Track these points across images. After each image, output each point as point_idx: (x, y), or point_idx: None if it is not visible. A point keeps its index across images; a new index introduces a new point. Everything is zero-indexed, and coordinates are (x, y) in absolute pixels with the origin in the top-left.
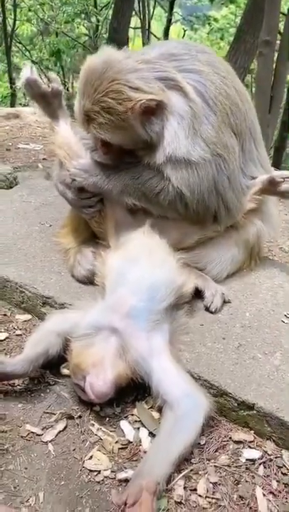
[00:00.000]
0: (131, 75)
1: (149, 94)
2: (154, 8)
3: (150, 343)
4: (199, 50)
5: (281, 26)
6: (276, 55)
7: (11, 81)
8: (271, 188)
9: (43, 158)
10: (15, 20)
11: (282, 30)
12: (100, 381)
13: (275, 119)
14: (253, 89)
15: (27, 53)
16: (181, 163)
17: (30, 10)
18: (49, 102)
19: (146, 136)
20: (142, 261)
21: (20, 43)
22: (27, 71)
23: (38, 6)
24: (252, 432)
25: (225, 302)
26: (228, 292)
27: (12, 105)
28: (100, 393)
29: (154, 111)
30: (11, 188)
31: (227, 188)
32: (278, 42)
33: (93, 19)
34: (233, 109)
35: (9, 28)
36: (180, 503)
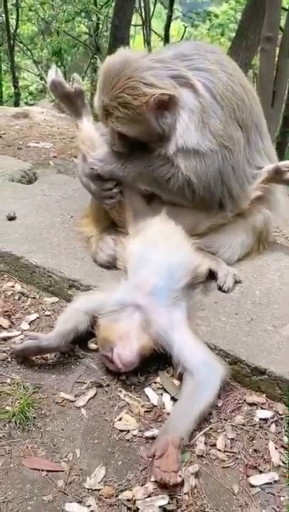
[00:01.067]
0: (146, 73)
1: (162, 89)
2: (154, 6)
3: (170, 318)
4: (208, 51)
5: (282, 22)
6: (278, 50)
7: (15, 80)
8: (277, 176)
9: (54, 156)
10: (17, 20)
11: (283, 26)
12: (127, 351)
13: (278, 114)
14: (255, 84)
15: (28, 53)
16: (191, 153)
17: (30, 9)
18: (72, 101)
19: (160, 128)
20: (160, 245)
21: (21, 42)
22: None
23: (39, 6)
24: (264, 395)
25: (236, 282)
26: (239, 273)
27: (16, 104)
28: (127, 362)
29: (166, 105)
30: (31, 183)
31: (232, 177)
32: (280, 37)
33: (94, 18)
34: (239, 104)
35: (11, 28)
36: (201, 456)
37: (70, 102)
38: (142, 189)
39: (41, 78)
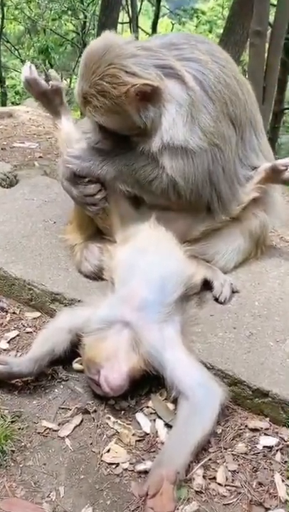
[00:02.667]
0: (129, 60)
1: (145, 79)
2: (141, 3)
3: (162, 335)
4: (199, 40)
5: (271, 17)
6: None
7: (1, 80)
8: (274, 176)
9: (39, 157)
10: (3, 19)
11: (272, 22)
12: (115, 374)
13: (269, 110)
14: None
15: (16, 52)
16: (178, 151)
17: (16, 8)
18: (50, 100)
19: (141, 122)
20: (150, 253)
21: (8, 42)
22: (26, 70)
23: (25, 4)
24: (267, 419)
25: (233, 292)
26: (236, 282)
27: (3, 104)
28: (116, 386)
29: (150, 97)
30: (12, 186)
31: (221, 179)
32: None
33: (81, 16)
34: (232, 98)
35: None
36: (200, 492)
37: (48, 101)
38: (123, 189)
39: None
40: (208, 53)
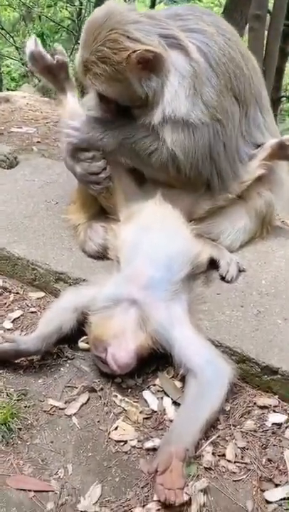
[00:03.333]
0: (131, 26)
1: (147, 46)
2: None
3: (170, 313)
4: (204, 12)
5: (270, 5)
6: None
7: None
8: (281, 152)
9: (38, 141)
10: None
11: (271, 9)
12: (122, 352)
13: (268, 94)
14: None
15: (11, 39)
16: (179, 124)
17: None
18: (55, 75)
19: (143, 92)
20: (156, 231)
21: (3, 29)
22: (31, 44)
23: None
24: (276, 396)
25: (240, 271)
26: (243, 261)
27: None
28: (123, 364)
29: (152, 66)
30: (12, 167)
31: (222, 156)
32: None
33: (76, 2)
34: (237, 72)
35: None
36: (209, 468)
37: (53, 76)
38: (123, 162)
39: (23, 64)
40: (213, 25)
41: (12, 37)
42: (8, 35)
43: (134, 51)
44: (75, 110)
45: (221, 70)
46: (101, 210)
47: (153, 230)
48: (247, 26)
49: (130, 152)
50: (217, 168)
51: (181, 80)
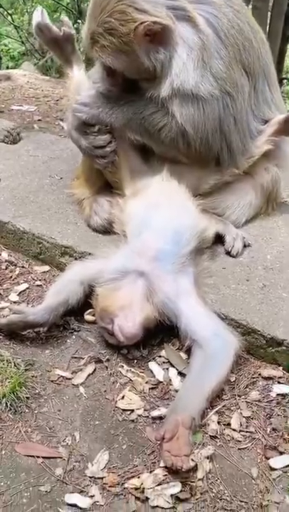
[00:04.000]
0: None
1: (156, 17)
2: None
3: (177, 285)
4: None
5: None
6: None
7: None
8: (288, 127)
9: (38, 120)
10: None
11: None
12: (130, 323)
13: None
14: None
15: (9, 18)
16: (188, 97)
17: None
18: (61, 47)
19: (150, 64)
20: (164, 206)
21: (0, 6)
22: (38, 15)
23: None
24: (280, 367)
25: (245, 246)
26: (248, 237)
27: None
28: (130, 335)
29: (160, 38)
30: (15, 143)
31: (232, 129)
32: None
33: None
34: (245, 45)
35: None
36: (215, 437)
37: (59, 48)
38: (132, 138)
39: (22, 42)
40: None
41: (10, 15)
42: (5, 13)
43: (142, 23)
44: (82, 84)
45: (229, 42)
46: (106, 185)
47: (160, 205)
48: (250, 5)
49: (140, 128)
50: (227, 142)
51: (190, 52)
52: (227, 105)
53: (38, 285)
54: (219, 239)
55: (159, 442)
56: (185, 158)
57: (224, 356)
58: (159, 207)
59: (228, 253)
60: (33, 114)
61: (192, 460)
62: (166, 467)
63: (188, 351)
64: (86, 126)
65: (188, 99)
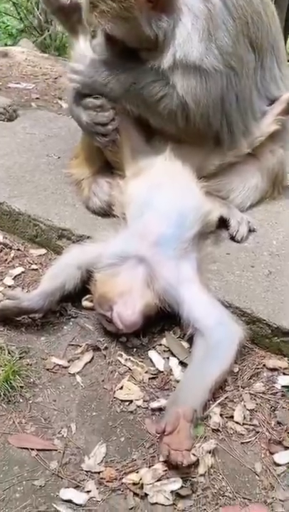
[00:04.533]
0: None
1: None
2: None
3: (179, 271)
4: None
5: None
6: None
7: None
8: None
9: (36, 98)
10: None
11: None
12: (129, 310)
13: None
14: None
15: None
16: (191, 69)
17: None
18: (68, 16)
19: (152, 33)
20: (166, 187)
21: None
22: None
23: None
24: (286, 358)
25: (250, 231)
26: (253, 221)
27: None
28: (129, 322)
29: (163, 5)
30: (12, 120)
31: (234, 108)
32: None
33: None
34: (254, 18)
35: None
36: (217, 430)
37: (66, 17)
38: (128, 109)
39: (21, 19)
40: None
41: None
42: None
43: None
44: (84, 54)
45: (237, 14)
46: (106, 165)
47: (163, 187)
48: None
49: (137, 98)
50: (228, 120)
51: (195, 22)
52: (230, 82)
53: (33, 269)
54: (223, 223)
55: (158, 435)
56: (183, 134)
57: (228, 346)
58: (162, 188)
59: (233, 238)
60: (31, 92)
61: (193, 455)
62: (166, 462)
63: (190, 340)
64: (87, 100)
65: (190, 71)
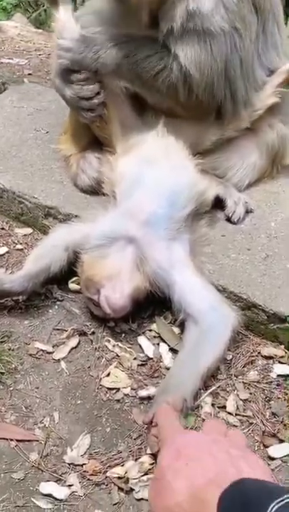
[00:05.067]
0: None
1: None
2: None
3: (171, 254)
4: None
5: None
6: None
7: None
8: None
9: (29, 74)
10: None
11: None
12: (117, 294)
13: None
14: None
15: None
16: (196, 33)
17: None
18: None
19: None
20: (159, 164)
21: None
22: None
23: None
24: (282, 346)
25: (247, 212)
26: (251, 202)
27: None
28: (117, 306)
29: None
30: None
31: (238, 74)
32: None
33: None
34: None
35: None
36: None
37: None
38: (121, 86)
39: None
40: None
41: None
42: None
43: None
44: (68, 26)
45: None
46: (96, 140)
47: (155, 163)
48: None
49: (131, 74)
50: (232, 89)
51: None
52: (235, 45)
53: (18, 249)
54: (219, 203)
55: (146, 426)
56: (182, 109)
57: (221, 331)
58: (154, 165)
59: (229, 219)
60: (24, 68)
61: None
62: (153, 454)
63: (182, 326)
64: (71, 74)
65: (195, 35)
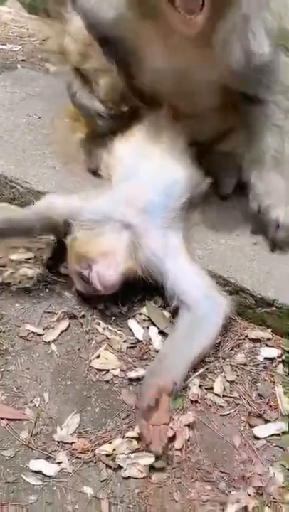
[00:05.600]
0: None
1: None
2: None
3: (166, 241)
4: None
5: None
6: None
7: None
8: None
9: (22, 60)
10: None
11: None
12: (111, 271)
13: None
14: None
15: None
16: None
17: None
18: None
19: None
20: (157, 151)
21: None
22: None
23: None
24: (269, 329)
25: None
26: None
27: None
28: (109, 283)
29: None
30: None
31: None
32: None
33: None
34: None
35: None
36: (196, 401)
37: None
38: None
39: None
40: None
41: None
42: None
43: None
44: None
45: None
46: None
47: (154, 152)
48: None
49: None
50: None
51: None
52: None
53: None
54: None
55: (135, 407)
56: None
57: (214, 319)
58: (152, 153)
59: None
60: (17, 54)
61: (171, 428)
62: (140, 434)
63: (172, 310)
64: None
65: None
